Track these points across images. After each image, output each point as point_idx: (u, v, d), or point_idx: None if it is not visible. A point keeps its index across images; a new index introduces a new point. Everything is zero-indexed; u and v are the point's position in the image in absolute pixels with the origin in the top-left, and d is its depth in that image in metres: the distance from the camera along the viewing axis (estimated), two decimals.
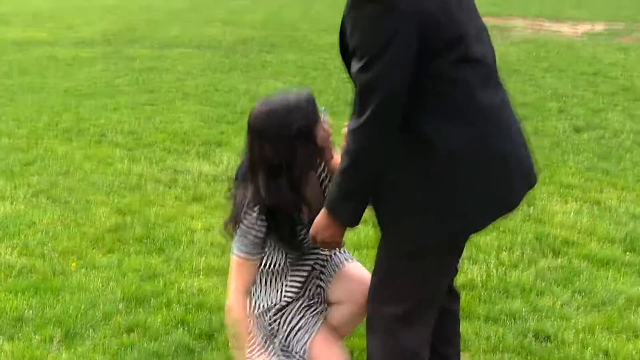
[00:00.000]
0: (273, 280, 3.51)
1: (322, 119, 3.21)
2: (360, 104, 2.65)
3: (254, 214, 3.23)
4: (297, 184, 3.20)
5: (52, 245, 5.38)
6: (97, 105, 10.21)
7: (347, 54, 2.78)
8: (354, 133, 2.68)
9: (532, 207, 6.10)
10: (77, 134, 8.65)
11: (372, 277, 3.10)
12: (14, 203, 6.32)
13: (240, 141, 8.13)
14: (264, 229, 3.27)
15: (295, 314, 3.50)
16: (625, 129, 8.79)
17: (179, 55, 14.65)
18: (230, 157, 7.44)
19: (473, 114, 2.74)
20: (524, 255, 5.21)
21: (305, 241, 3.33)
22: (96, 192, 6.62)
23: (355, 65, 2.65)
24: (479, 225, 2.89)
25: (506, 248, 5.31)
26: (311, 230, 3.00)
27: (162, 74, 12.61)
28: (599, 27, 19.65)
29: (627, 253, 5.28)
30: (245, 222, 3.25)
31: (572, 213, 6.03)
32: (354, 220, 2.86)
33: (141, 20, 21.06)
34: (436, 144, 2.70)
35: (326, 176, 3.42)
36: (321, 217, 2.93)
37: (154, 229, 5.69)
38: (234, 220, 3.30)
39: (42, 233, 5.61)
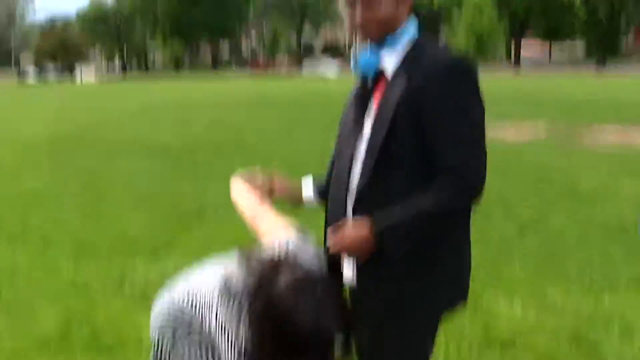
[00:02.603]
0: None
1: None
2: (469, 171, 2.79)
3: None
4: None
5: None
6: (42, 210, 10.15)
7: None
8: (464, 188, 2.80)
9: (478, 303, 6.15)
10: (23, 239, 8.58)
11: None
12: None
13: (187, 244, 8.13)
14: None
15: None
16: (568, 230, 8.93)
17: (127, 161, 14.67)
18: (178, 261, 7.41)
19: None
20: (472, 352, 5.23)
21: None
22: (42, 297, 6.54)
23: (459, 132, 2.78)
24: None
25: (453, 345, 5.32)
26: (343, 245, 2.79)
27: (109, 180, 12.58)
28: (542, 130, 20.10)
29: (573, 349, 5.32)
30: None
31: (518, 309, 6.09)
32: (396, 254, 2.85)
33: (88, 123, 21.07)
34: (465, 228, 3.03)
35: None
36: (360, 234, 2.80)
37: (102, 333, 5.62)
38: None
39: None
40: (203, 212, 9.93)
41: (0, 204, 10.78)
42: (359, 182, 2.92)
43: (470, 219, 3.07)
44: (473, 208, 2.94)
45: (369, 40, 3.00)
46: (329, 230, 2.91)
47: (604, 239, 8.61)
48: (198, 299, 2.42)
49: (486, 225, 9.09)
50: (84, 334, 5.60)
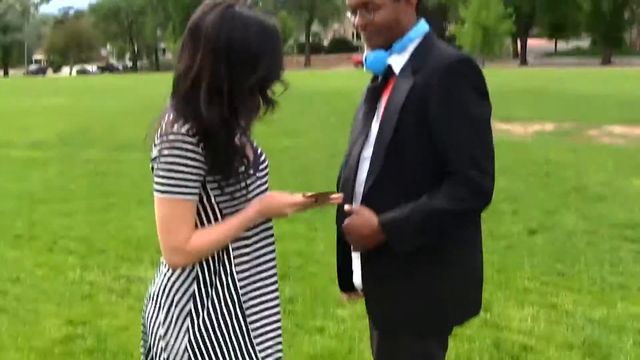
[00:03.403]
0: None
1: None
2: (476, 173, 2.75)
3: (183, 132, 2.50)
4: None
5: None
6: (50, 210, 10.14)
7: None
8: (477, 190, 2.76)
9: (488, 313, 6.08)
10: (29, 240, 8.55)
11: None
12: None
13: None
14: (195, 152, 2.51)
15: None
16: (577, 230, 8.86)
17: (134, 159, 14.62)
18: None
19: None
20: None
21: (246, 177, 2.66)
22: (46, 301, 6.51)
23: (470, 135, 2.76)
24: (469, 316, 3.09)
25: (464, 357, 5.25)
26: (351, 233, 2.84)
27: (117, 178, 12.57)
28: (549, 127, 20.03)
29: (586, 359, 5.25)
30: (173, 143, 2.50)
31: (529, 318, 6.00)
32: (409, 251, 2.81)
33: (96, 122, 21.07)
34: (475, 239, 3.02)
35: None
36: (369, 228, 2.81)
37: (106, 341, 5.56)
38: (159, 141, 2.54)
39: None
40: None
41: (8, 202, 10.76)
42: (366, 181, 2.89)
43: (480, 227, 3.02)
44: (481, 214, 2.91)
45: (377, 48, 2.98)
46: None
47: (614, 238, 8.55)
48: None
49: (495, 224, 9.02)
50: (88, 342, 5.54)
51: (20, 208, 10.28)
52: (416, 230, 2.77)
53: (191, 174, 2.53)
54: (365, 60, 3.02)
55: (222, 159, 2.56)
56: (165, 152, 2.51)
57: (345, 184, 3.01)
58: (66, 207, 10.36)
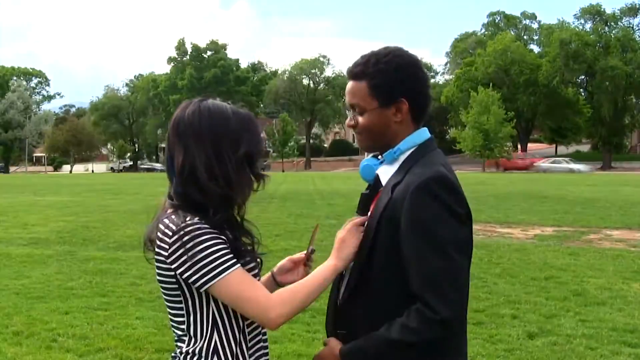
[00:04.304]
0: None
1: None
2: (435, 300, 2.63)
3: (196, 220, 2.65)
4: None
5: None
6: (49, 308, 10.11)
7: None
8: (431, 319, 2.63)
9: None
10: (27, 337, 8.52)
11: None
12: None
13: None
14: (214, 232, 2.65)
15: None
16: (577, 335, 8.83)
17: (134, 258, 14.63)
18: None
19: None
20: None
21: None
22: None
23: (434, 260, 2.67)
24: None
25: None
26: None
27: (116, 278, 12.55)
28: (549, 230, 20.07)
29: None
30: (194, 232, 2.62)
31: None
32: None
33: (96, 220, 21.15)
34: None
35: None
36: (330, 354, 2.85)
37: None
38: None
39: None
40: None
41: (7, 298, 10.74)
42: (342, 295, 2.92)
43: (463, 336, 2.94)
44: (459, 337, 2.85)
45: (367, 150, 3.02)
46: None
47: (613, 342, 8.52)
48: None
49: (494, 328, 9.01)
50: None
51: (19, 305, 10.26)
52: (370, 359, 2.75)
53: (224, 248, 2.64)
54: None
55: (231, 241, 2.70)
56: (190, 244, 2.60)
57: (332, 292, 3.03)
58: (65, 304, 10.34)
